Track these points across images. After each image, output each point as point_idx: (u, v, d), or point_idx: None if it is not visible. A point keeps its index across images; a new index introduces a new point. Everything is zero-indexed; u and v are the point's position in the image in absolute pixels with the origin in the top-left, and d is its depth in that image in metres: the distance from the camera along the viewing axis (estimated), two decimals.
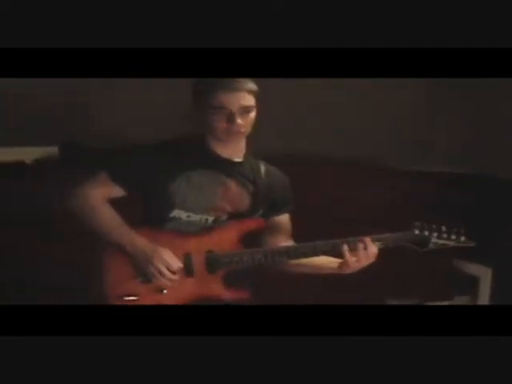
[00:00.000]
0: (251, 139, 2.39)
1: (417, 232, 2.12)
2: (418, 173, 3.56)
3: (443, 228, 2.14)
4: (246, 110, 2.06)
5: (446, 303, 3.54)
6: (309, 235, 2.12)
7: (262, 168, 2.22)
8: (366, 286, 3.29)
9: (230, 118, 2.04)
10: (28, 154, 2.97)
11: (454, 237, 2.14)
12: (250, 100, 2.07)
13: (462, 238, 2.15)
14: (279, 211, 2.23)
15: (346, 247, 2.04)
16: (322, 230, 2.14)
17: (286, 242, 2.20)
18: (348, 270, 2.08)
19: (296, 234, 2.26)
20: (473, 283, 3.59)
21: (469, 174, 3.52)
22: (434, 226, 2.13)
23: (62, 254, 2.80)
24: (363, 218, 2.92)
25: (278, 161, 2.33)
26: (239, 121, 2.05)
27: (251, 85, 2.08)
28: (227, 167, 2.16)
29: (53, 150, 2.99)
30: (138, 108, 3.01)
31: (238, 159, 2.19)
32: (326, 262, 2.14)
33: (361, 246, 2.04)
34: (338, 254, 2.08)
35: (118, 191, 2.13)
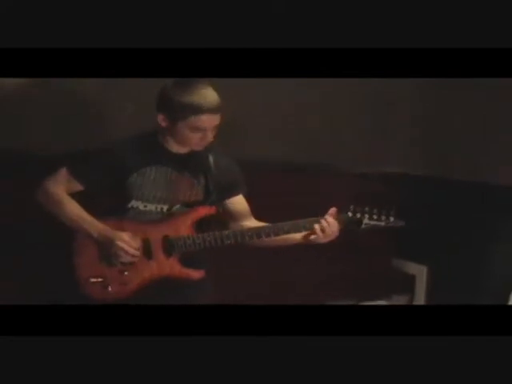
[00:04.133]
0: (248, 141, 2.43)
1: (350, 214, 2.34)
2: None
3: (374, 210, 2.36)
4: (216, 127, 2.29)
5: (383, 302, 3.67)
6: None
7: (211, 158, 2.39)
8: (304, 285, 3.36)
9: (206, 135, 2.27)
10: None
11: (383, 218, 2.35)
12: (219, 118, 2.28)
13: (392, 219, 2.36)
14: (231, 194, 2.44)
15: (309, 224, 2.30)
16: None
17: (247, 221, 2.45)
18: (320, 240, 2.32)
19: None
20: (409, 282, 3.73)
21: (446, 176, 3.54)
22: (366, 209, 2.35)
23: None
24: None
25: (276, 161, 2.33)
26: (211, 138, 2.29)
27: (220, 104, 2.26)
28: (178, 161, 2.36)
29: None
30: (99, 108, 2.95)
31: (188, 153, 2.37)
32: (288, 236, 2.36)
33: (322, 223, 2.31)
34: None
35: (78, 186, 2.34)
